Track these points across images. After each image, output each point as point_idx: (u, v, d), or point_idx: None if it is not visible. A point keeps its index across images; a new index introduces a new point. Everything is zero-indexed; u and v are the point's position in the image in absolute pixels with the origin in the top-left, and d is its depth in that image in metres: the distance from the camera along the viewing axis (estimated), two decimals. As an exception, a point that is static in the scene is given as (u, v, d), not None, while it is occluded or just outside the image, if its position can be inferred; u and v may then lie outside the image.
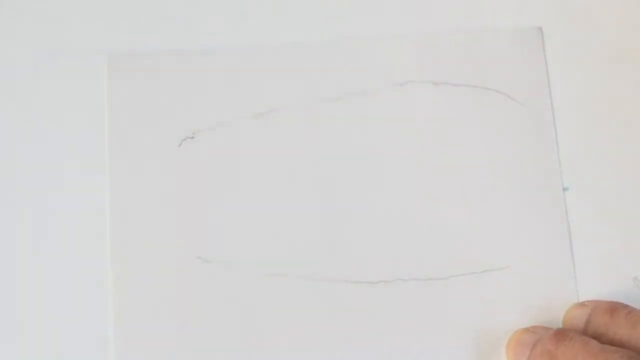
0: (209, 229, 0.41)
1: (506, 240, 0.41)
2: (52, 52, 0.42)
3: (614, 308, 0.39)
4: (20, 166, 0.41)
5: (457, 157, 0.42)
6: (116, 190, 0.41)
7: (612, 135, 0.43)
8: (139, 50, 0.42)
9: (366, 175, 0.42)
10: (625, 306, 0.39)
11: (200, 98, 0.42)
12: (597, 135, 0.43)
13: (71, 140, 0.41)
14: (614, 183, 0.42)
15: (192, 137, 0.42)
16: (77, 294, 0.40)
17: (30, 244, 0.40)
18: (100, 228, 0.40)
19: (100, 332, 0.39)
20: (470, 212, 0.42)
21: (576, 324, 0.39)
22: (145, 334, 0.39)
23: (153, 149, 0.41)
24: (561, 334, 0.37)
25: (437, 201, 0.42)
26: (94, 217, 0.40)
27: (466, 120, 0.43)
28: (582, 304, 0.40)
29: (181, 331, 0.39)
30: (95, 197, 0.41)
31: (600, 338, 0.38)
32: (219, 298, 0.40)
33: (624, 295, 0.41)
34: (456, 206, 0.42)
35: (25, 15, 0.43)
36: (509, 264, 0.41)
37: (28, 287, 0.40)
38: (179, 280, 0.40)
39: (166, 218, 0.41)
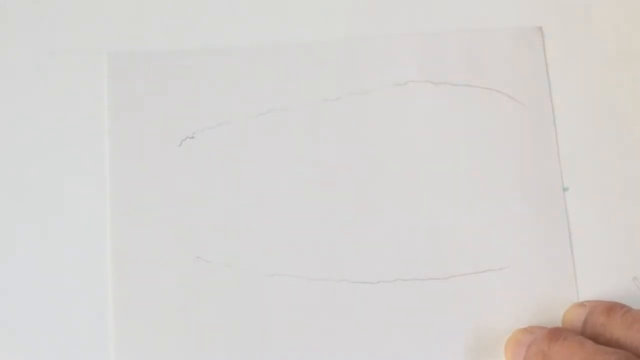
0: (209, 229, 0.41)
1: (506, 240, 0.41)
2: (52, 51, 0.42)
3: (611, 308, 0.39)
4: (20, 166, 0.41)
5: (457, 157, 0.42)
6: (116, 190, 0.41)
7: (612, 136, 0.43)
8: (139, 50, 0.42)
9: (366, 175, 0.42)
10: (623, 306, 0.39)
11: (200, 98, 0.42)
12: (597, 135, 0.43)
13: (71, 140, 0.41)
14: (614, 183, 0.42)
15: (192, 137, 0.42)
16: (77, 293, 0.40)
17: (30, 244, 0.40)
18: (100, 228, 0.40)
19: (100, 332, 0.39)
20: (470, 212, 0.42)
21: (575, 324, 0.39)
22: (145, 334, 0.39)
23: (153, 149, 0.41)
24: (555, 334, 0.37)
25: (438, 201, 0.42)
26: (94, 217, 0.40)
27: (466, 120, 0.43)
28: (581, 304, 0.40)
29: (181, 331, 0.39)
30: (95, 197, 0.41)
31: (597, 338, 0.38)
32: (219, 298, 0.40)
33: (623, 295, 0.41)
34: (456, 206, 0.42)
35: (25, 15, 0.43)
36: (509, 264, 0.41)
37: (28, 287, 0.40)
38: (179, 280, 0.40)
39: (166, 218, 0.41)
